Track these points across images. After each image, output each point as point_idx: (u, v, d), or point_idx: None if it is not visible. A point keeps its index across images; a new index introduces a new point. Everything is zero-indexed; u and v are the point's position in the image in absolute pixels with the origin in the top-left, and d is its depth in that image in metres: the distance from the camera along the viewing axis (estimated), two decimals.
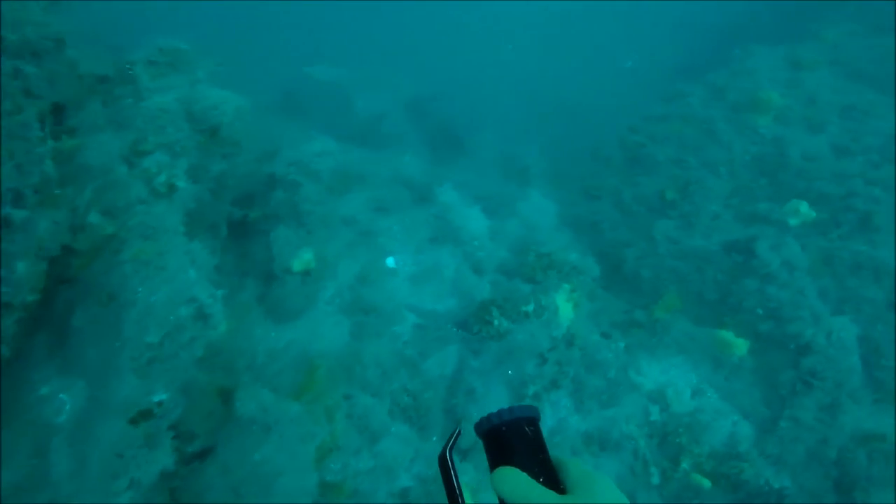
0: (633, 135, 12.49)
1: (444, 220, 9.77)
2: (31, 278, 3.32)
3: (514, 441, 0.96)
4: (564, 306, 8.97)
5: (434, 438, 8.20)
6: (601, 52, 25.27)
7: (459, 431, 1.05)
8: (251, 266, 8.34)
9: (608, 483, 0.90)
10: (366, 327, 8.36)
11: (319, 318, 8.30)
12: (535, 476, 0.91)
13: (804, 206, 8.98)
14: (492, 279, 9.20)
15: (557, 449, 7.45)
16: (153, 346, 4.33)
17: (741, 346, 8.01)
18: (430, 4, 22.38)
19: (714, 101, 12.33)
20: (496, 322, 8.10)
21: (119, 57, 6.14)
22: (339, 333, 8.32)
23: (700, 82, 13.18)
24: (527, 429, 0.97)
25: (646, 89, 15.63)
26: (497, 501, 0.91)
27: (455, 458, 0.98)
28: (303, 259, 7.80)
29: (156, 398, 4.65)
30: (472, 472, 7.14)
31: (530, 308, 8.31)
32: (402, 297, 8.79)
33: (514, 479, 0.91)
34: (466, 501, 0.94)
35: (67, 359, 4.53)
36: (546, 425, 8.46)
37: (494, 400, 8.08)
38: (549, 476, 0.94)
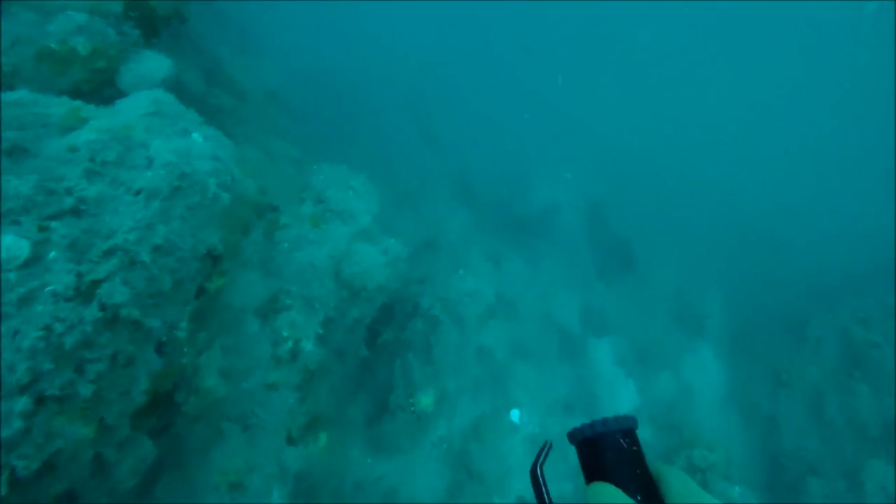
0: (863, 328, 9.75)
1: (587, 384, 8.47)
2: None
3: (609, 454, 0.92)
4: None
5: None
6: (827, 165, 20.95)
7: (550, 445, 1.01)
8: (371, 381, 7.99)
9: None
10: (464, 489, 7.46)
11: (420, 462, 7.61)
12: (632, 494, 0.86)
13: None
14: None
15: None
16: None
17: None
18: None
19: None
20: None
21: (293, 180, 6.12)
22: (434, 485, 7.53)
23: None
24: (622, 441, 0.93)
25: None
26: None
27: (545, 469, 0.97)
28: (421, 402, 7.18)
29: None
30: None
31: None
32: (514, 462, 7.72)
33: (608, 497, 0.86)
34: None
35: None
36: None
37: None
38: (648, 492, 0.88)
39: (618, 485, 0.88)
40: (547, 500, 0.94)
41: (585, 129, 17.88)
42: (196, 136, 3.39)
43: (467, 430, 7.77)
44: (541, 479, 0.96)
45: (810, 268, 12.86)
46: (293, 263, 5.13)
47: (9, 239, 1.81)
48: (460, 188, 13.02)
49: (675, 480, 0.89)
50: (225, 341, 4.72)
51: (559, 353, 8.76)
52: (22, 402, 1.83)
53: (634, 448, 0.94)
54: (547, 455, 1.00)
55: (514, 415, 7.91)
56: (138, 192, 2.66)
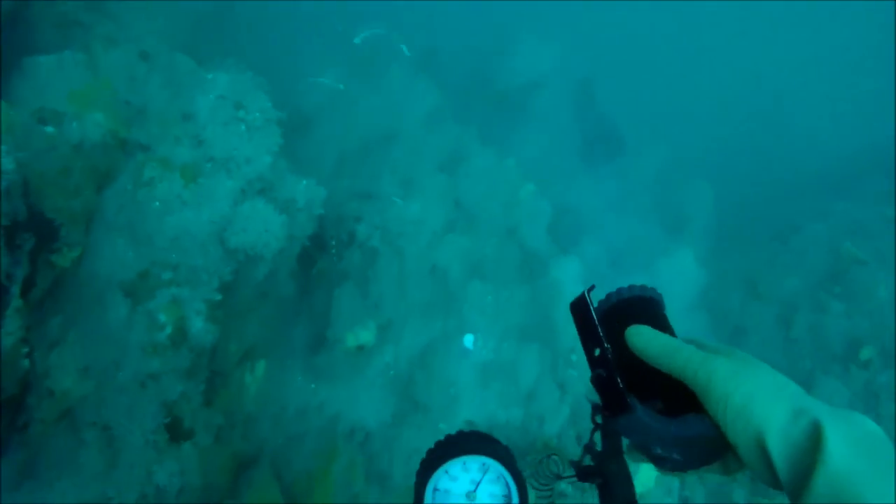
0: (853, 243, 9.00)
1: (547, 310, 7.91)
2: None
3: (649, 314, 0.92)
4: (646, 472, 7.19)
5: None
6: (838, 63, 18.13)
7: (593, 286, 1.00)
8: (309, 308, 7.42)
9: (750, 356, 0.82)
10: (408, 417, 7.34)
11: (364, 387, 7.37)
12: None
13: None
14: (573, 404, 7.50)
15: None
16: None
17: None
18: None
19: None
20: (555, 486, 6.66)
21: (176, 98, 4.76)
22: (379, 411, 7.40)
23: None
24: (658, 312, 0.95)
25: None
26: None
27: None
28: (359, 337, 6.67)
29: None
30: None
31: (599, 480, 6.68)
32: (463, 388, 7.50)
33: (654, 332, 0.87)
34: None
35: None
36: None
37: None
38: None
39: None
40: (595, 320, 0.92)
41: None
42: None
43: (415, 357, 7.41)
44: (589, 300, 0.94)
45: (814, 164, 11.66)
46: (167, 229, 4.10)
47: None
48: (427, 57, 11.12)
49: (710, 343, 0.88)
50: (84, 330, 3.92)
51: (520, 272, 8.08)
52: None
53: (666, 319, 0.94)
54: (591, 292, 0.98)
55: (468, 340, 7.50)
56: None
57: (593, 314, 0.93)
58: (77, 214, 3.86)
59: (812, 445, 0.64)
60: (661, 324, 0.92)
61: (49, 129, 3.79)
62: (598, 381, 0.92)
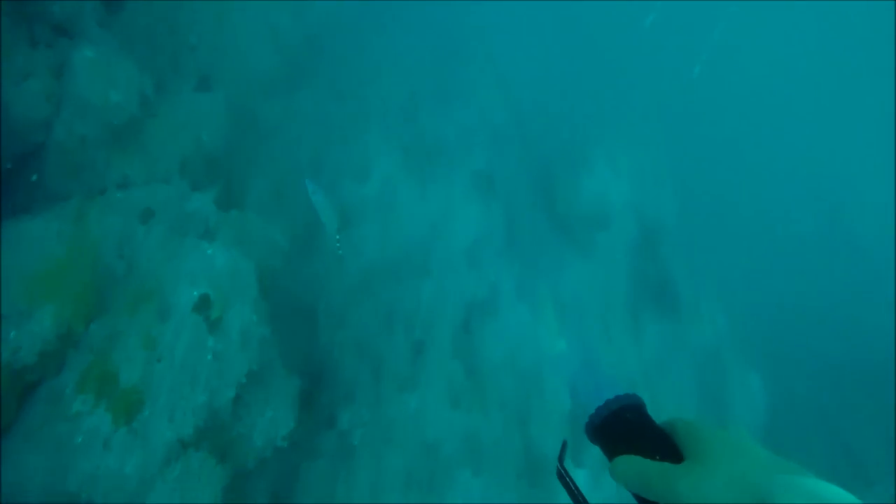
0: None
1: None
2: None
3: (619, 432, 0.96)
4: None
5: None
6: None
7: (565, 443, 1.06)
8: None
9: (722, 436, 0.86)
10: None
11: None
12: (651, 454, 0.90)
13: None
14: None
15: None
16: None
17: None
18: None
19: None
20: None
21: (161, 270, 4.17)
22: None
23: None
24: (628, 415, 0.97)
25: None
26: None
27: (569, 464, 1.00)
28: None
29: None
30: None
31: None
32: None
33: (627, 465, 0.90)
34: (588, 500, 0.95)
35: None
36: None
37: None
38: (664, 447, 0.92)
39: (637, 452, 0.90)
40: (574, 488, 0.95)
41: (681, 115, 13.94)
42: None
43: None
44: (563, 471, 0.99)
45: None
46: (83, 469, 3.44)
47: None
48: (485, 173, 10.36)
49: (683, 430, 0.91)
50: None
51: (519, 474, 7.07)
52: None
53: (641, 417, 0.96)
54: (564, 452, 1.03)
55: None
56: None
57: (572, 486, 0.95)
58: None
59: None
60: (645, 428, 0.94)
61: None
62: None
